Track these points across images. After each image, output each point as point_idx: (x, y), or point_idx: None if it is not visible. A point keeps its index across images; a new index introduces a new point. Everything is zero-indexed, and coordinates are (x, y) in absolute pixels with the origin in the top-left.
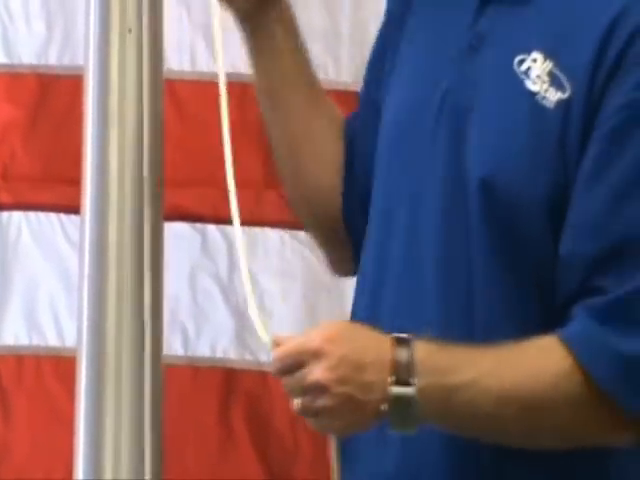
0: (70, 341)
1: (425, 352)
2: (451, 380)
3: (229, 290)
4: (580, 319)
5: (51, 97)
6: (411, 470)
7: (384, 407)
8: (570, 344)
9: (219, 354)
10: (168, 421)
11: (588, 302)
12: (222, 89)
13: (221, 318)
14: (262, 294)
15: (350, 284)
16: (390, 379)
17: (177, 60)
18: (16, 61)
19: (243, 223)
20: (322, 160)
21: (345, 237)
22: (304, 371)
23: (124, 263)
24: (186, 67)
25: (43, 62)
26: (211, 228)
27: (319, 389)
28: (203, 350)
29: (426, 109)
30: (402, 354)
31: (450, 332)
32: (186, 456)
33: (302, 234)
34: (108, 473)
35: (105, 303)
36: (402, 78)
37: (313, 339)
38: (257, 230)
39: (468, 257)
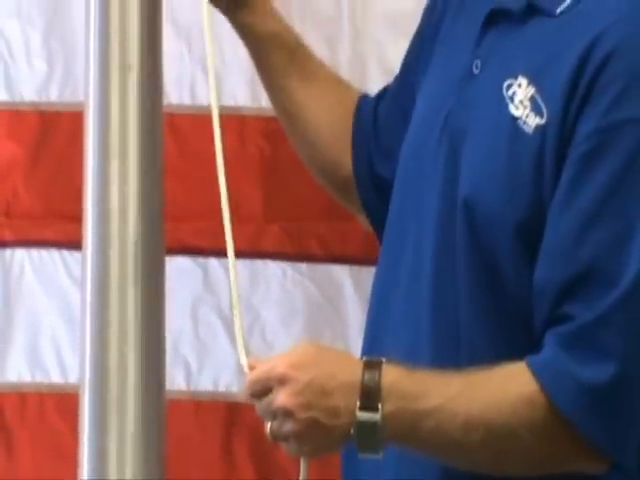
0: (73, 378)
1: (393, 377)
2: (418, 406)
3: (232, 323)
4: (548, 346)
5: (52, 134)
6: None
7: (353, 431)
8: (535, 371)
9: (222, 388)
10: (171, 456)
11: (557, 329)
12: (215, 123)
13: (223, 352)
14: (263, 326)
15: (352, 315)
16: (357, 404)
17: (177, 94)
18: (17, 98)
19: (244, 255)
20: (315, 133)
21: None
22: (270, 397)
23: (126, 298)
24: (186, 101)
25: (44, 99)
26: (213, 261)
27: (285, 414)
28: (206, 384)
29: (433, 129)
30: (370, 378)
31: (439, 346)
32: None
33: (304, 266)
34: None
35: (107, 338)
36: (423, 93)
37: (279, 365)
38: (258, 262)
39: (454, 273)
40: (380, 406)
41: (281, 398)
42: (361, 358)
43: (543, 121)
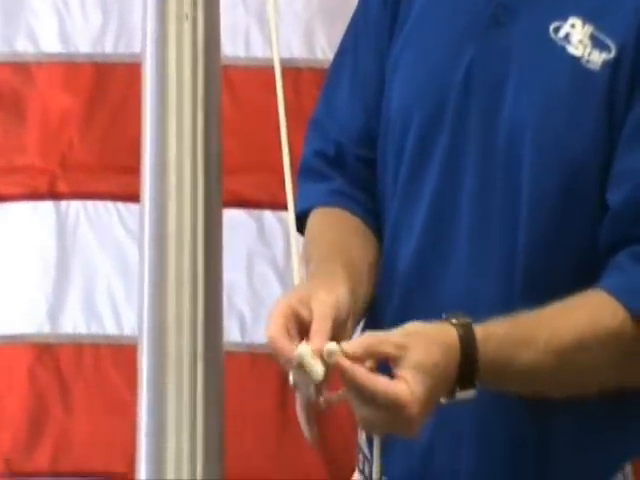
0: (128, 329)
1: (489, 349)
2: (512, 367)
3: (286, 276)
4: (624, 267)
5: (107, 86)
6: (446, 436)
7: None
8: (618, 296)
9: None
10: (227, 408)
11: (631, 249)
12: (278, 76)
13: None
14: None
15: None
16: (456, 389)
17: (231, 46)
18: (73, 50)
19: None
20: None
21: None
22: (376, 414)
23: (184, 251)
24: (240, 53)
25: (99, 50)
26: (267, 214)
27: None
28: (261, 337)
29: (445, 85)
30: (467, 361)
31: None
32: (245, 442)
33: None
34: (171, 464)
35: (165, 291)
36: (413, 53)
37: (408, 406)
38: None
39: (518, 211)
40: (477, 383)
41: (405, 428)
42: (454, 326)
43: (612, 55)
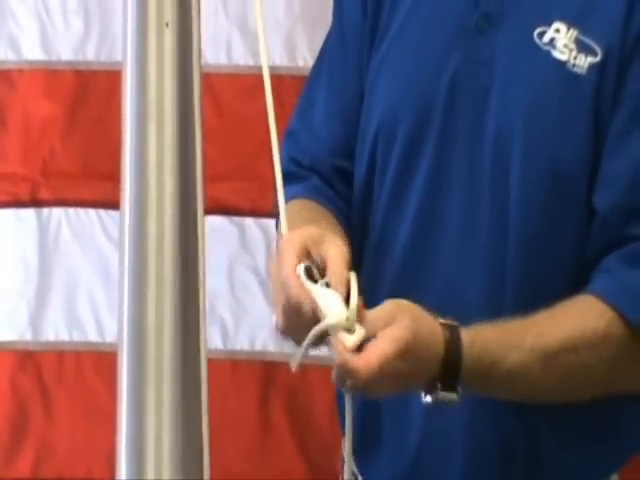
0: (110, 336)
1: (472, 353)
2: (496, 371)
3: (268, 283)
4: (612, 269)
5: (89, 93)
6: (436, 443)
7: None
8: (607, 298)
9: (258, 347)
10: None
11: (623, 249)
12: (266, 82)
13: (260, 311)
14: None
15: None
16: (438, 387)
17: (213, 54)
18: (54, 58)
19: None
20: None
21: None
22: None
23: (165, 258)
24: (222, 61)
25: (81, 58)
26: (249, 221)
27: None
28: (242, 344)
29: (430, 95)
30: (451, 366)
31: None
32: (227, 450)
33: None
34: (150, 471)
35: (145, 299)
36: (396, 64)
37: (362, 373)
38: None
39: (507, 221)
40: (459, 388)
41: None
42: (442, 326)
43: (598, 59)
